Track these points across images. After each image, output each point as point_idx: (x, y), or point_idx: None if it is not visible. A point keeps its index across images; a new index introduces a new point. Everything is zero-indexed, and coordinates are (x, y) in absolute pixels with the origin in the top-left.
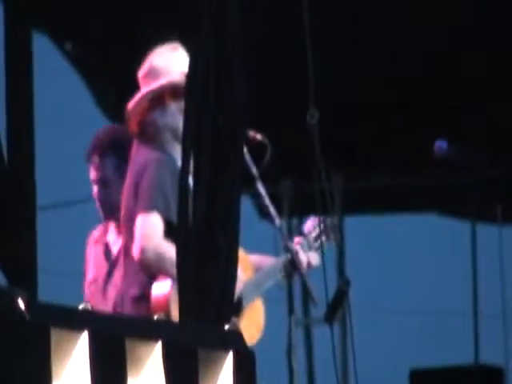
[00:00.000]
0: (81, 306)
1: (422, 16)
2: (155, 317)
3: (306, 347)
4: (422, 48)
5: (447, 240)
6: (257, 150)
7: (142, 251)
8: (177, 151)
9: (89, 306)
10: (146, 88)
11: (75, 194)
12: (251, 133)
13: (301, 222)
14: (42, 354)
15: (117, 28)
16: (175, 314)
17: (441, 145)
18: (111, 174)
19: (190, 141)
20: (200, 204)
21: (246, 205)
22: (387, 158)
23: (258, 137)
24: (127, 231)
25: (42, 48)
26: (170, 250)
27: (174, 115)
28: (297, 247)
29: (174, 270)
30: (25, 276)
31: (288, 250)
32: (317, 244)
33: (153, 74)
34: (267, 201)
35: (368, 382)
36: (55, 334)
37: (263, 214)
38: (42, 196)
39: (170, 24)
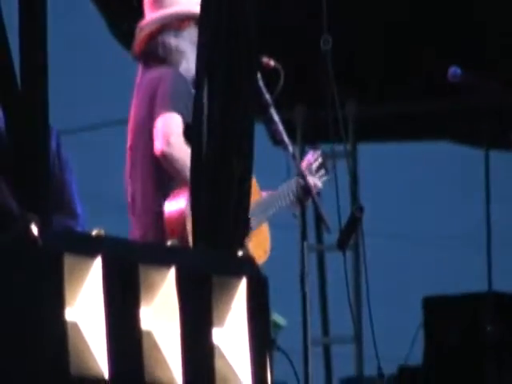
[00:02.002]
0: (94, 232)
1: None
2: (169, 242)
3: (318, 273)
4: None
5: (461, 168)
6: (270, 76)
7: (168, 144)
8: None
9: (102, 232)
10: (157, 12)
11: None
12: (265, 59)
13: (314, 149)
14: (56, 280)
15: None
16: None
17: (455, 71)
18: None
19: (203, 66)
20: (214, 130)
21: (259, 131)
22: (401, 85)
23: (272, 63)
24: (137, 141)
25: None
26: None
27: (186, 41)
28: (303, 172)
29: None
30: (38, 201)
31: (301, 176)
32: (319, 173)
33: (163, 0)
34: (280, 127)
35: (380, 309)
36: (68, 260)
37: (276, 140)
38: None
39: None
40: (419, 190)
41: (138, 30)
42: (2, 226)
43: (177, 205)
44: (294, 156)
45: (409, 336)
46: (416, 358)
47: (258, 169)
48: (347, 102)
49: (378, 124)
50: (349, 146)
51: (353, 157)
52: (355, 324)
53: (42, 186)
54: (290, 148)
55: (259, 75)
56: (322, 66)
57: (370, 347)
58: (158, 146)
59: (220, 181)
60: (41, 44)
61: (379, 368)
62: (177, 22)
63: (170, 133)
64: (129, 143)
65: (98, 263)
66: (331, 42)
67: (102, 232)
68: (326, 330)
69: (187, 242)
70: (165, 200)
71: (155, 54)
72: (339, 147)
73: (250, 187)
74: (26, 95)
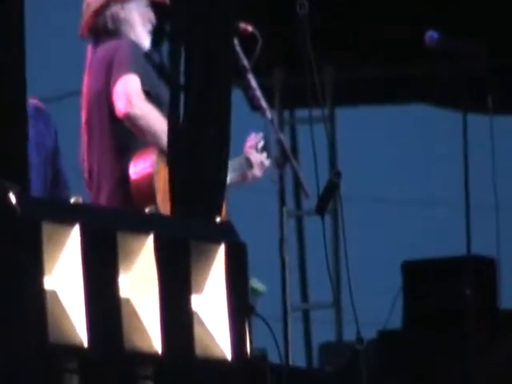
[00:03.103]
0: (72, 200)
1: None
2: (147, 209)
3: (297, 238)
4: None
5: (438, 131)
6: (248, 41)
7: (131, 105)
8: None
9: (80, 200)
10: None
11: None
12: (242, 24)
13: (292, 115)
14: (34, 248)
15: None
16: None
17: (432, 35)
18: None
19: (179, 32)
20: (191, 95)
21: (237, 97)
22: (378, 49)
23: (249, 28)
24: (93, 114)
25: None
26: (155, 109)
27: (134, 12)
28: (250, 150)
29: (159, 125)
30: (16, 170)
31: (279, 141)
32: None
33: None
34: (258, 93)
35: (360, 274)
36: (46, 228)
37: (254, 106)
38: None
39: None
40: (397, 153)
41: (85, 7)
42: None
43: (142, 166)
44: (272, 121)
45: (388, 301)
46: (396, 322)
47: (235, 135)
48: (324, 67)
49: (355, 88)
50: (326, 111)
51: (331, 121)
52: (334, 289)
53: (21, 155)
54: (268, 113)
55: (236, 41)
56: (298, 30)
57: (349, 312)
58: (121, 107)
59: (197, 148)
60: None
61: (358, 333)
62: None
63: (131, 93)
64: (84, 118)
65: (76, 231)
66: (307, 6)
67: (80, 200)
68: (305, 296)
69: (155, 201)
70: (125, 165)
71: (105, 27)
72: (317, 112)
73: (227, 154)
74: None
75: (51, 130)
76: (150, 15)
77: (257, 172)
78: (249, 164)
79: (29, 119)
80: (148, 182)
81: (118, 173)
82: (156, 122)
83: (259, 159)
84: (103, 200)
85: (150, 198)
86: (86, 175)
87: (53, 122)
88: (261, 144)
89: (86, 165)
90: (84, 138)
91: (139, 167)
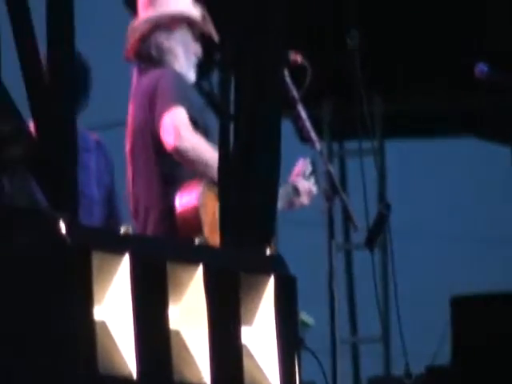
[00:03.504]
0: (122, 229)
1: None
2: (197, 240)
3: (346, 271)
4: None
5: (487, 165)
6: (297, 72)
7: (180, 138)
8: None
9: (130, 229)
10: (150, 12)
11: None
12: (292, 55)
13: (341, 146)
14: (84, 277)
15: None
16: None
17: (482, 68)
18: None
19: (229, 62)
20: (241, 127)
21: (286, 128)
22: (428, 82)
23: (299, 59)
24: (138, 143)
25: None
26: (203, 140)
27: (178, 42)
28: (297, 178)
29: (209, 156)
30: (66, 198)
31: (328, 174)
32: (311, 180)
33: (158, 0)
34: (308, 124)
35: (408, 307)
36: (97, 257)
37: (304, 137)
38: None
39: None
40: (446, 187)
41: (130, 31)
42: (31, 224)
43: (188, 198)
44: (321, 153)
45: (438, 335)
46: (445, 357)
47: (285, 166)
48: (374, 98)
49: (405, 121)
50: (376, 143)
51: (380, 153)
52: (383, 323)
53: (71, 184)
54: (318, 145)
55: (286, 71)
56: (348, 62)
57: (397, 346)
58: (170, 141)
59: (247, 179)
60: (68, 39)
61: (407, 367)
62: (169, 23)
63: (179, 126)
64: (128, 147)
65: (126, 261)
66: (358, 37)
67: (130, 229)
68: (353, 329)
69: (202, 234)
70: (171, 197)
71: (149, 55)
72: (366, 144)
73: (277, 184)
74: (53, 92)
75: (109, 165)
76: (197, 49)
77: (304, 200)
78: (296, 192)
79: (91, 153)
80: (194, 214)
81: (163, 204)
82: (205, 152)
83: (307, 187)
84: (149, 231)
85: (197, 230)
86: (131, 206)
87: (110, 158)
88: (309, 170)
89: (131, 195)
90: (129, 169)
91: (185, 200)
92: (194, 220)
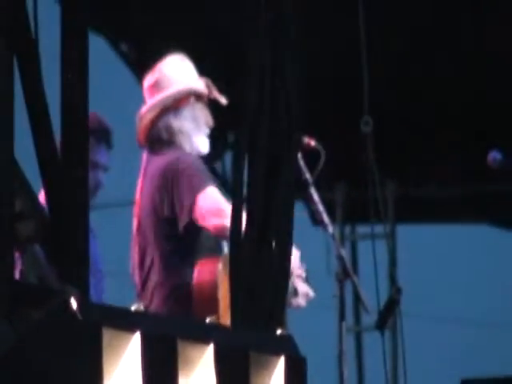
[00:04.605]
0: (133, 307)
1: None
2: (207, 319)
3: (356, 354)
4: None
5: (500, 252)
6: (311, 156)
7: (224, 217)
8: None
9: (141, 307)
10: (155, 97)
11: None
12: (305, 139)
13: (353, 230)
14: (94, 353)
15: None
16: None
17: (495, 155)
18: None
19: (244, 145)
20: (253, 208)
21: (299, 210)
22: (440, 167)
23: (312, 143)
24: (147, 224)
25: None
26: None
27: (187, 119)
28: (297, 279)
29: None
30: (77, 274)
31: (340, 257)
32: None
33: (163, 82)
34: (320, 207)
35: None
36: (107, 334)
37: (316, 220)
38: None
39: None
40: (459, 271)
41: (138, 119)
42: (41, 300)
43: (207, 273)
44: (333, 236)
45: None
46: None
47: (297, 248)
48: (387, 183)
49: (418, 205)
50: (388, 227)
51: (392, 238)
52: None
53: (81, 260)
54: (330, 228)
55: (300, 154)
56: (362, 147)
57: None
58: (216, 222)
59: (260, 261)
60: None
61: None
62: (174, 102)
63: (220, 203)
64: (136, 227)
65: (136, 338)
66: (371, 123)
67: (141, 307)
68: None
69: (217, 310)
70: (186, 272)
71: (159, 138)
72: (378, 227)
73: (289, 266)
74: (66, 170)
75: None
76: (207, 118)
77: (301, 301)
78: (295, 293)
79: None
80: (211, 290)
81: (173, 281)
82: None
83: (305, 290)
84: (155, 307)
85: (213, 306)
86: (138, 283)
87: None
88: (303, 275)
89: (137, 272)
90: (135, 247)
91: (203, 275)
92: (210, 296)
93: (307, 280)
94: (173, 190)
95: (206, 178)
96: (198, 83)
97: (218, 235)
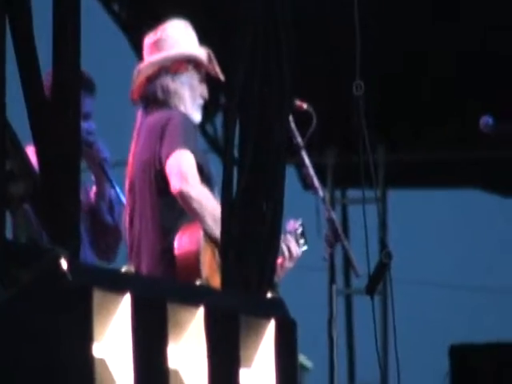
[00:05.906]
0: (124, 268)
1: None
2: (198, 282)
3: (346, 316)
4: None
5: (490, 217)
6: (302, 119)
7: (187, 183)
8: None
9: (132, 268)
10: (155, 55)
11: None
12: (297, 102)
13: (343, 194)
14: (84, 314)
15: None
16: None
17: (487, 120)
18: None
19: (235, 109)
20: (244, 172)
21: (289, 174)
22: (432, 132)
23: (304, 106)
24: (140, 182)
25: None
26: (207, 191)
27: (184, 85)
28: (290, 237)
29: (210, 209)
30: (68, 235)
31: (331, 220)
32: (300, 241)
33: (165, 43)
34: (311, 171)
35: (407, 354)
36: (97, 296)
37: (307, 184)
38: None
39: None
40: (448, 236)
41: (136, 73)
42: (31, 260)
43: (188, 241)
44: (324, 200)
45: (435, 382)
46: None
47: (287, 212)
48: (378, 148)
49: (408, 170)
50: (378, 192)
51: (382, 202)
52: (382, 369)
53: (73, 221)
54: (321, 192)
55: (291, 118)
56: (353, 110)
57: None
58: (176, 184)
59: (250, 224)
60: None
61: None
62: (175, 65)
63: (187, 172)
64: (127, 187)
65: (126, 300)
66: (363, 87)
67: (132, 269)
68: (352, 375)
69: (200, 275)
70: (169, 238)
71: (154, 97)
72: (368, 192)
73: (279, 231)
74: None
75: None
76: (203, 90)
77: (289, 263)
78: (289, 251)
79: None
80: (194, 257)
81: (159, 246)
82: (208, 207)
83: (294, 250)
84: (143, 270)
85: (195, 273)
86: (128, 244)
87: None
88: (299, 231)
89: (128, 233)
90: (127, 207)
91: (185, 242)
92: (193, 263)
93: (303, 234)
94: (161, 141)
95: (188, 142)
96: (199, 51)
97: (177, 198)
